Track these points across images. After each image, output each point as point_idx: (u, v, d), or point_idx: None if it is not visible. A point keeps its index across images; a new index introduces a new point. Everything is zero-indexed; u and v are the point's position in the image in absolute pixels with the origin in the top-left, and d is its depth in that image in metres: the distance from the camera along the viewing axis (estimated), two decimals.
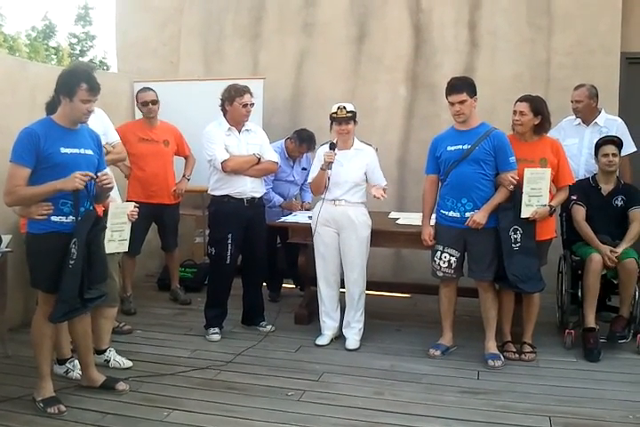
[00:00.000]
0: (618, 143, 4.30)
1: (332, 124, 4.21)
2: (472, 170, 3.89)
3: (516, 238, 3.84)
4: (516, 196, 3.87)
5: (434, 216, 4.15)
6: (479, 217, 3.84)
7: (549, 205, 3.93)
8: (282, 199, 5.31)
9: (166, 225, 5.26)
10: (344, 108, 4.13)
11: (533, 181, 3.87)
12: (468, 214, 3.89)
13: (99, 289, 3.21)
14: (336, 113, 4.13)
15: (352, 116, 4.16)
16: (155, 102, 5.09)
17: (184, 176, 5.28)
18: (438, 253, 4.05)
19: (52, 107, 3.30)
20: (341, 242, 4.26)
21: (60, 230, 3.11)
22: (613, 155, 4.26)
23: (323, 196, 4.26)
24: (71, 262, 3.04)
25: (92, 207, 3.20)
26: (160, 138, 5.12)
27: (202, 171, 4.64)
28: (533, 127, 3.99)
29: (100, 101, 3.32)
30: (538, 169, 3.90)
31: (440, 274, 4.09)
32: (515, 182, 3.83)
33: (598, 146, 4.32)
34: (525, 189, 3.86)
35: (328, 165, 4.13)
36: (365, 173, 4.24)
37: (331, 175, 4.17)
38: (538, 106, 3.96)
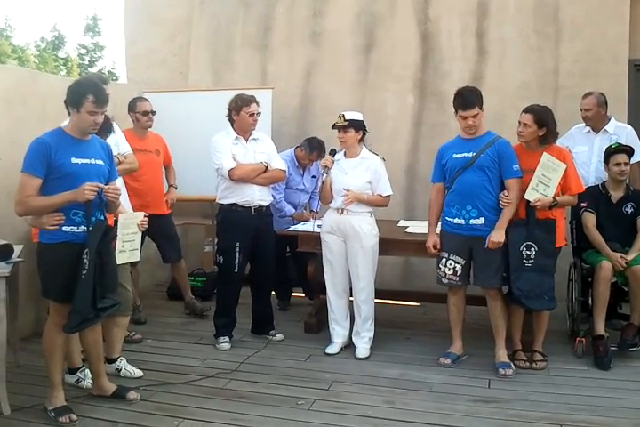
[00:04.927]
0: (629, 152, 4.29)
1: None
2: (477, 177, 3.89)
3: (529, 255, 3.82)
4: (530, 212, 3.86)
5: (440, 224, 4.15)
6: (497, 237, 3.82)
7: (554, 198, 3.87)
8: (293, 210, 5.33)
9: (162, 236, 5.08)
10: (342, 116, 4.15)
11: (547, 167, 3.82)
12: (472, 221, 3.90)
13: (111, 298, 3.22)
14: (336, 121, 4.17)
15: (349, 124, 4.14)
16: (154, 112, 5.07)
17: (171, 186, 5.23)
18: (443, 260, 4.05)
19: None
20: (347, 251, 4.26)
21: (71, 240, 3.13)
22: (625, 164, 4.25)
23: (330, 204, 4.29)
24: (83, 273, 3.05)
25: (102, 217, 3.22)
26: (152, 148, 5.06)
27: (210, 180, 4.66)
28: (539, 138, 3.97)
29: (109, 112, 3.34)
30: (555, 160, 3.84)
31: (445, 281, 4.08)
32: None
33: (609, 154, 4.29)
34: (537, 172, 3.82)
35: (325, 169, 4.17)
36: (370, 183, 4.23)
37: (332, 182, 4.20)
38: (542, 118, 3.90)
